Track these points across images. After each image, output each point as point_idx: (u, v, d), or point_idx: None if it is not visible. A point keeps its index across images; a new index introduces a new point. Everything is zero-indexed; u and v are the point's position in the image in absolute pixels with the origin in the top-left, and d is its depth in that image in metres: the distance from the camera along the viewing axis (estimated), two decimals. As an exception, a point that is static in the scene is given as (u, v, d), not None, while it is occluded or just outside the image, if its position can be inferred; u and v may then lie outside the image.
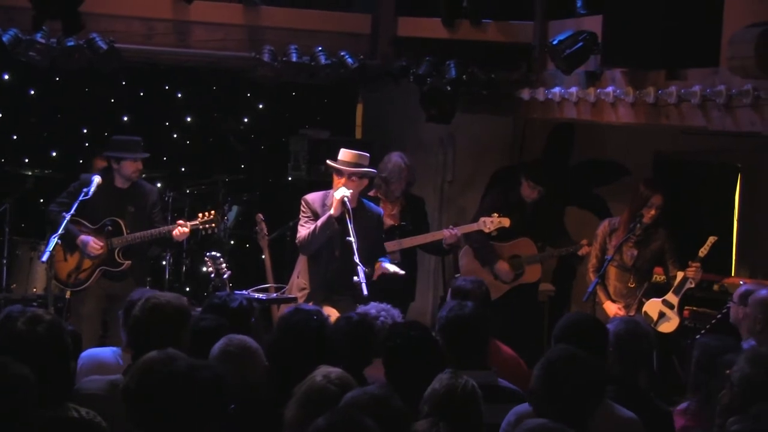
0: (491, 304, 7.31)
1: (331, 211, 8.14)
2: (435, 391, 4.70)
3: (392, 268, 8.40)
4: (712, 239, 8.71)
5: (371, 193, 9.37)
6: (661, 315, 8.79)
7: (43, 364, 4.43)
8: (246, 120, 12.47)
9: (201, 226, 9.17)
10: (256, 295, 8.61)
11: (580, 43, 8.40)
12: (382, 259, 8.47)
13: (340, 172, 8.26)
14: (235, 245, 11.86)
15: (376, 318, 6.21)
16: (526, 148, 11.41)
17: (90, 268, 8.89)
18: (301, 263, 8.70)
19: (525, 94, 9.64)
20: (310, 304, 7.04)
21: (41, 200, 10.79)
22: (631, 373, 5.80)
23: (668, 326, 8.77)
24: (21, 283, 10.20)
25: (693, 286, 8.77)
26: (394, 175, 9.37)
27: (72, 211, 8.37)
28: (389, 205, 9.46)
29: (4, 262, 10.28)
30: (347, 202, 8.07)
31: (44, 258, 8.16)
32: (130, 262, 8.98)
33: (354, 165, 8.27)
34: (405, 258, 9.44)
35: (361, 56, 9.66)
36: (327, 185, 8.44)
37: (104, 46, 8.82)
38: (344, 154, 8.34)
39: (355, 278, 7.71)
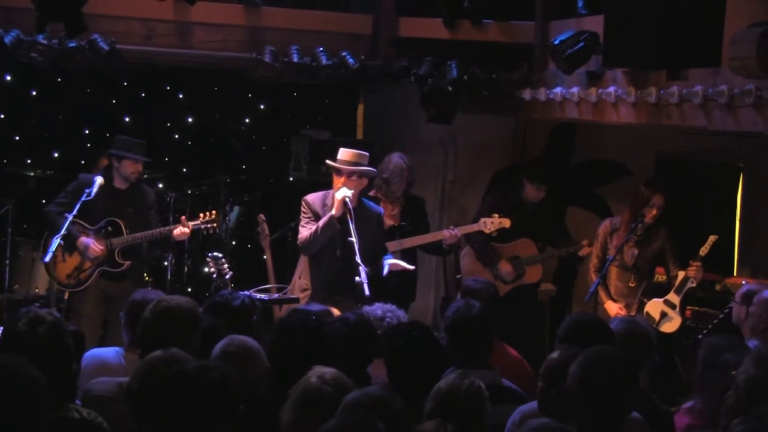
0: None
1: (333, 212, 8.14)
2: (439, 389, 4.71)
3: (402, 263, 8.44)
4: (712, 238, 8.71)
5: (371, 194, 9.37)
6: (663, 315, 8.79)
7: (43, 365, 4.43)
8: (247, 120, 12.47)
9: (202, 226, 9.18)
10: (258, 295, 8.62)
11: (582, 43, 8.40)
12: (386, 257, 8.48)
13: (339, 172, 8.26)
14: (237, 246, 11.85)
15: (382, 319, 6.22)
16: (527, 149, 11.41)
17: (90, 269, 8.87)
18: (303, 264, 8.70)
19: (526, 94, 9.64)
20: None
21: (43, 201, 10.71)
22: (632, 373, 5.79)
23: (670, 326, 8.77)
24: (23, 284, 10.20)
25: (694, 285, 8.76)
26: (394, 176, 9.37)
27: (74, 212, 8.37)
28: (389, 205, 9.46)
29: (7, 262, 10.28)
30: (348, 203, 8.07)
31: (47, 259, 8.18)
32: (129, 262, 8.98)
33: (353, 164, 8.27)
34: (405, 258, 9.40)
35: (362, 57, 9.67)
36: (328, 185, 8.44)
37: (105, 47, 8.83)
38: (343, 153, 8.33)
39: (357, 279, 7.71)
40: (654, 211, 8.78)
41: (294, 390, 4.53)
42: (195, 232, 9.20)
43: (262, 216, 10.05)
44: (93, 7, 8.60)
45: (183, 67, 10.82)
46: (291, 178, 11.52)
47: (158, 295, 6.24)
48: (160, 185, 11.66)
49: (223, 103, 12.18)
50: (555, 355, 5.00)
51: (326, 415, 4.20)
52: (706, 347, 5.88)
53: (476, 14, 9.99)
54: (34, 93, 11.51)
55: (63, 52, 8.76)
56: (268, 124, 12.45)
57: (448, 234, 9.37)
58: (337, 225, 8.12)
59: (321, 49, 9.59)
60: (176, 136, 12.23)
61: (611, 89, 8.40)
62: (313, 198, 8.46)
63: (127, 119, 11.81)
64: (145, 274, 10.76)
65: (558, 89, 9.15)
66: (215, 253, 9.04)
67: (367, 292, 7.62)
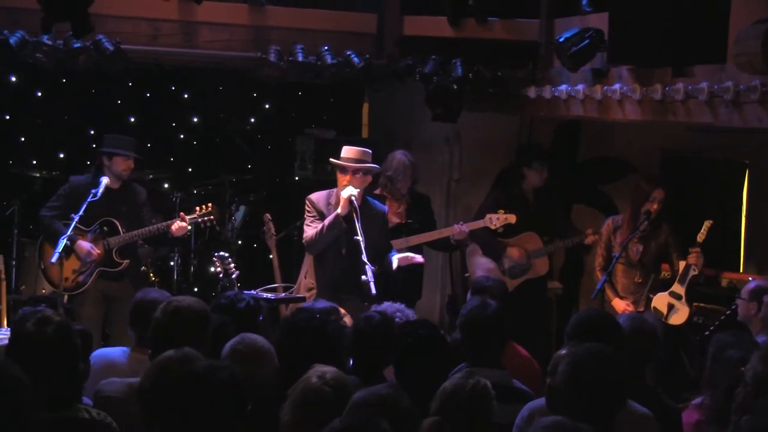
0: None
1: (339, 210, 8.14)
2: (444, 389, 4.72)
3: (412, 255, 8.46)
4: (707, 223, 8.74)
5: (377, 192, 9.39)
6: (671, 307, 8.80)
7: (52, 365, 4.45)
8: (252, 120, 12.47)
9: (199, 219, 9.15)
10: (265, 294, 8.64)
11: (587, 41, 8.40)
12: (391, 253, 8.48)
13: (344, 170, 8.26)
14: (243, 245, 11.86)
15: (391, 318, 6.21)
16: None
17: (88, 271, 8.87)
18: (308, 263, 8.71)
19: (531, 92, 9.64)
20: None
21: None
22: (638, 369, 5.80)
23: (678, 317, 8.78)
24: (29, 285, 10.20)
25: (697, 272, 8.79)
26: (398, 173, 9.39)
27: (81, 212, 8.36)
28: (395, 203, 9.48)
29: (13, 263, 10.29)
30: (354, 201, 8.07)
31: (53, 260, 8.17)
32: (128, 261, 8.99)
33: (357, 161, 8.27)
34: (411, 256, 9.46)
35: (367, 55, 9.67)
36: (333, 184, 8.44)
37: (111, 48, 8.83)
38: (347, 151, 8.33)
39: (363, 277, 7.70)
40: (655, 206, 8.82)
41: (294, 389, 4.53)
42: (193, 225, 9.17)
43: (267, 215, 10.07)
44: (98, 7, 8.61)
45: (188, 67, 10.82)
46: (296, 178, 11.53)
47: (162, 294, 6.29)
48: (166, 185, 11.67)
49: (228, 102, 12.18)
50: (562, 351, 5.01)
51: (326, 415, 4.20)
52: (715, 343, 5.88)
53: (481, 12, 9.99)
54: (39, 94, 11.51)
55: (68, 52, 8.76)
56: (274, 123, 12.45)
57: (457, 229, 9.38)
58: (343, 223, 8.11)
59: (326, 48, 9.59)
60: (181, 136, 12.24)
61: (616, 86, 8.39)
62: (317, 197, 8.45)
63: (132, 119, 11.82)
64: (151, 274, 10.80)
65: (563, 87, 9.15)
66: (221, 253, 9.04)
67: (373, 290, 7.61)
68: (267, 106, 12.44)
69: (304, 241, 8.43)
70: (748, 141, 9.68)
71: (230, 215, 11.47)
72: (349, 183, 8.17)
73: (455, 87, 9.67)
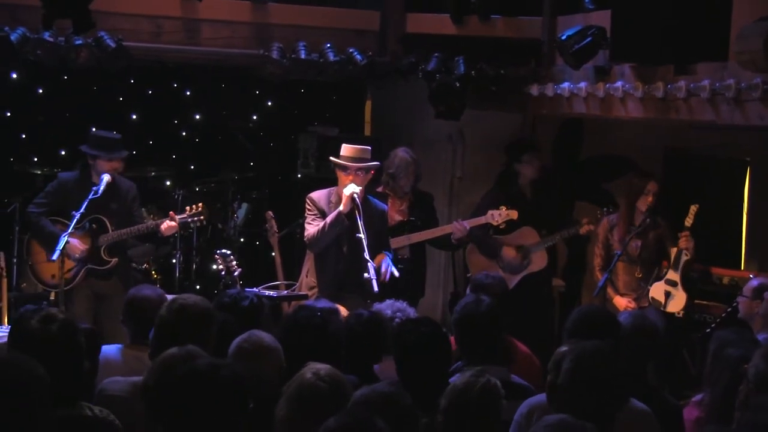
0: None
1: (341, 208, 8.14)
2: (454, 386, 4.71)
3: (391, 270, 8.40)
4: (694, 208, 8.77)
5: (379, 189, 9.38)
6: (668, 295, 8.83)
7: (56, 363, 4.44)
8: (255, 117, 12.46)
9: (189, 219, 9.11)
10: (267, 292, 8.63)
11: (589, 39, 8.41)
12: (385, 253, 8.47)
13: (345, 168, 8.26)
14: (245, 243, 11.86)
15: (392, 319, 6.21)
16: (535, 144, 11.41)
17: (75, 268, 8.76)
18: (309, 262, 8.71)
19: (534, 89, 9.65)
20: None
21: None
22: (639, 366, 5.80)
23: (676, 304, 8.81)
24: (31, 282, 10.18)
25: (689, 257, 8.82)
26: (401, 171, 9.39)
27: (82, 210, 8.33)
28: (397, 200, 9.48)
29: (14, 261, 10.28)
30: (357, 199, 8.07)
31: (54, 257, 8.13)
32: (116, 259, 8.91)
33: (358, 160, 8.27)
34: (414, 254, 9.45)
35: (370, 53, 9.68)
36: (336, 182, 8.43)
37: (112, 45, 8.83)
38: (347, 149, 8.33)
39: (366, 275, 7.70)
40: (650, 198, 8.88)
41: (288, 386, 4.52)
42: (183, 225, 9.14)
43: (270, 213, 10.07)
44: (100, 4, 8.60)
45: (190, 64, 10.82)
46: (299, 175, 11.52)
47: (154, 291, 6.35)
48: (168, 183, 11.67)
49: (230, 100, 12.18)
50: (563, 348, 5.00)
51: (321, 411, 4.19)
52: (716, 340, 5.89)
53: (484, 10, 10.00)
54: (41, 91, 11.51)
55: (69, 49, 8.76)
56: (276, 121, 12.45)
57: (458, 226, 9.38)
58: (346, 221, 8.11)
59: (328, 45, 9.60)
60: (183, 134, 12.23)
61: (619, 84, 8.40)
62: (318, 195, 8.45)
63: (134, 117, 11.83)
64: (153, 272, 10.81)
65: (566, 84, 9.15)
66: (224, 251, 9.03)
67: (375, 288, 7.61)
68: (269, 104, 12.44)
69: (305, 239, 8.42)
70: (749, 139, 9.68)
71: (233, 213, 11.47)
72: (351, 181, 8.17)
73: (458, 85, 9.67)
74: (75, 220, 8.27)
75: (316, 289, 8.47)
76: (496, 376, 4.84)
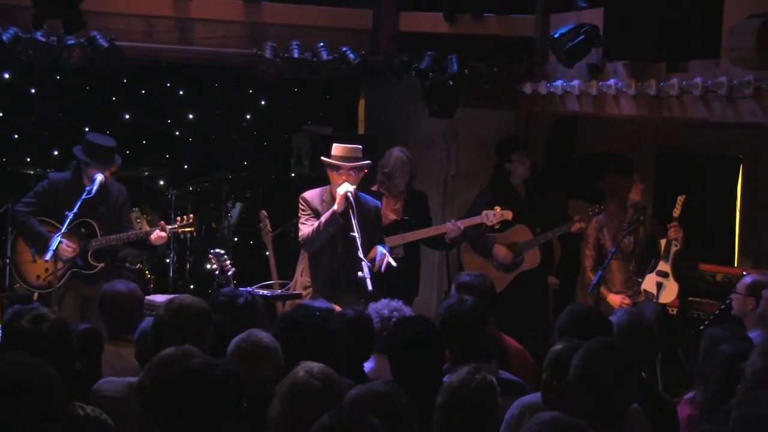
0: (497, 296, 7.36)
1: (335, 207, 8.14)
2: (451, 384, 4.71)
3: (388, 259, 8.42)
4: (681, 198, 8.84)
5: (374, 188, 9.39)
6: (659, 286, 8.87)
7: (47, 362, 4.44)
8: (248, 117, 12.46)
9: (179, 230, 9.11)
10: (261, 291, 8.63)
11: (582, 36, 8.40)
12: (383, 247, 8.47)
13: (337, 168, 8.26)
14: (239, 242, 11.86)
15: (389, 319, 6.21)
16: (529, 142, 11.41)
17: (60, 270, 8.69)
18: (304, 261, 8.71)
19: (527, 87, 9.64)
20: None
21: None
22: (634, 364, 5.79)
23: (668, 295, 8.85)
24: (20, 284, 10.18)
25: (679, 247, 8.86)
26: (396, 169, 9.40)
27: (75, 210, 8.32)
28: (392, 200, 9.48)
29: (7, 261, 10.25)
30: (351, 198, 8.08)
31: (47, 257, 8.13)
32: (103, 264, 8.89)
33: (350, 159, 8.29)
34: (408, 253, 9.45)
35: (363, 52, 9.67)
36: (329, 181, 8.44)
37: (105, 44, 8.82)
38: (338, 149, 8.35)
39: (360, 274, 7.71)
40: (640, 186, 8.98)
41: (282, 385, 4.53)
42: (173, 236, 9.13)
43: (264, 212, 10.08)
44: (93, 4, 8.58)
45: (183, 64, 10.80)
46: (293, 174, 11.51)
47: (126, 285, 6.47)
48: (162, 182, 11.66)
49: (224, 99, 12.17)
50: (558, 347, 5.01)
51: (314, 409, 4.19)
52: (707, 337, 5.90)
53: (476, 8, 9.99)
54: (33, 91, 11.50)
55: (61, 49, 8.75)
56: (270, 120, 12.45)
57: (451, 227, 9.38)
58: (341, 220, 8.12)
59: (322, 44, 9.59)
60: (177, 133, 12.22)
61: (612, 82, 8.40)
62: (311, 195, 8.46)
63: (127, 116, 11.81)
64: (147, 272, 10.80)
65: (559, 82, 9.15)
66: (217, 250, 9.03)
67: (370, 287, 7.62)
68: (263, 103, 12.44)
69: (300, 239, 8.43)
70: (742, 136, 9.69)
71: (226, 212, 11.46)
72: (344, 180, 8.18)
73: (451, 83, 9.67)
74: (68, 220, 8.26)
75: (311, 289, 8.48)
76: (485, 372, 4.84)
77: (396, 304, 6.44)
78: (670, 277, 8.83)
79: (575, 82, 8.89)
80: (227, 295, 6.33)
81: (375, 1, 10.18)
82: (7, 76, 11.11)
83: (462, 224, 9.46)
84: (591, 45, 8.45)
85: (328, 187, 8.41)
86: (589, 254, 9.27)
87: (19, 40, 8.61)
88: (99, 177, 8.62)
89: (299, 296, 8.55)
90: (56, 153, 11.50)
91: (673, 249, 8.84)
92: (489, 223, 9.43)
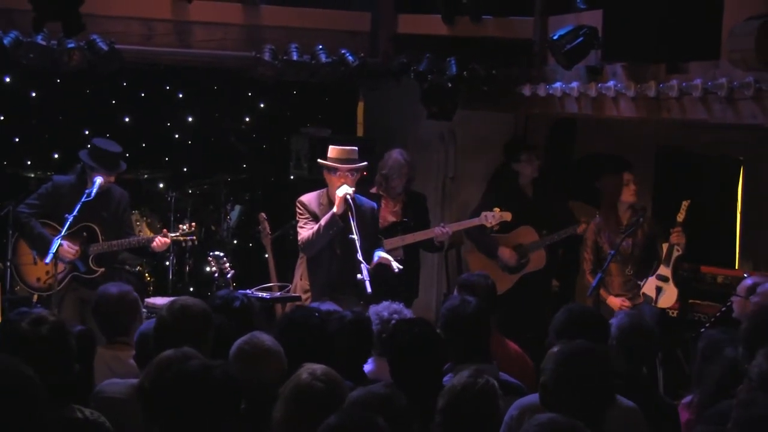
0: (501, 297, 7.36)
1: (335, 209, 8.14)
2: (453, 387, 4.71)
3: (390, 260, 8.43)
4: (685, 203, 8.82)
5: (372, 190, 9.40)
6: (659, 290, 8.87)
7: (46, 365, 4.44)
8: (247, 119, 12.47)
9: (181, 238, 9.11)
10: (260, 294, 8.63)
11: (581, 38, 8.40)
12: (378, 249, 8.47)
13: (335, 170, 8.26)
14: (238, 245, 11.85)
15: (389, 321, 6.20)
16: (528, 144, 11.42)
17: (61, 274, 8.71)
18: (302, 265, 8.70)
19: (526, 89, 9.63)
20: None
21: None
22: (635, 366, 5.80)
23: (668, 299, 8.84)
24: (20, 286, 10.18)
25: (680, 252, 8.86)
26: (393, 171, 9.41)
27: (75, 212, 8.32)
28: (391, 201, 9.49)
29: (8, 264, 10.25)
30: (350, 200, 8.07)
31: (48, 260, 8.14)
32: (104, 269, 8.88)
33: (347, 161, 8.29)
34: (408, 254, 9.45)
35: (362, 54, 9.66)
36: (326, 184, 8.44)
37: (105, 48, 8.82)
38: (334, 151, 8.34)
39: (359, 276, 7.71)
40: (632, 187, 8.97)
41: (285, 387, 4.53)
42: (174, 243, 9.13)
43: (263, 215, 10.08)
44: (91, 8, 8.57)
45: (182, 67, 10.81)
46: (292, 177, 11.52)
47: (120, 288, 6.47)
48: (161, 185, 11.66)
49: (223, 102, 12.18)
50: (555, 349, 5.00)
51: (318, 411, 4.20)
52: (705, 340, 5.89)
53: (475, 10, 9.99)
54: (34, 94, 11.51)
55: (62, 52, 8.75)
56: (269, 122, 12.45)
57: (439, 231, 9.35)
58: (340, 222, 8.12)
59: (320, 46, 9.59)
60: (176, 136, 12.22)
61: (611, 84, 8.39)
62: (309, 198, 8.46)
63: (126, 119, 11.81)
64: (147, 275, 10.79)
65: (557, 84, 9.14)
66: (217, 253, 9.04)
67: (369, 289, 7.63)
68: (262, 106, 12.44)
69: (299, 242, 8.42)
70: (742, 137, 9.68)
71: (226, 215, 11.46)
72: (342, 182, 8.17)
73: (450, 85, 9.67)
74: (68, 222, 8.25)
75: (310, 292, 8.47)
76: (486, 374, 4.84)
77: (396, 306, 6.44)
78: (670, 281, 8.83)
79: (574, 84, 8.88)
80: (223, 298, 6.32)
81: (373, 4, 10.18)
82: (7, 79, 11.11)
83: (451, 228, 9.44)
84: (590, 47, 8.44)
85: (324, 190, 8.41)
86: (587, 257, 9.28)
87: (19, 44, 8.61)
88: (98, 180, 8.61)
89: (298, 299, 8.55)
90: (56, 156, 11.51)
91: (675, 254, 8.83)
92: (488, 225, 9.43)
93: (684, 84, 7.53)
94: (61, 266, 8.69)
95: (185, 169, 12.13)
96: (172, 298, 5.84)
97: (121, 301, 6.38)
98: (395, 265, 8.44)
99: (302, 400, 4.42)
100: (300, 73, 9.59)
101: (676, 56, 7.79)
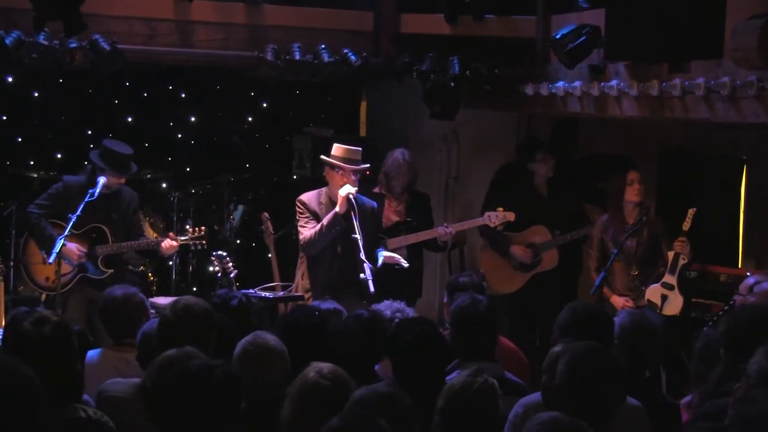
0: (512, 295, 7.26)
1: (337, 209, 8.13)
2: (452, 386, 4.71)
3: (397, 257, 8.44)
4: (691, 211, 8.79)
5: (375, 190, 9.39)
6: (664, 298, 8.83)
7: (49, 365, 4.45)
8: (250, 119, 12.48)
9: (191, 242, 9.11)
10: (263, 293, 8.63)
11: (583, 37, 8.39)
12: (379, 249, 8.47)
13: (340, 169, 8.25)
14: (241, 244, 11.86)
15: (391, 320, 6.20)
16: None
17: (70, 274, 8.73)
18: (303, 265, 8.69)
19: (528, 89, 9.62)
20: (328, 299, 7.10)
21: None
22: (638, 365, 5.79)
23: (673, 308, 8.82)
24: (27, 285, 10.17)
25: (686, 261, 8.82)
26: (393, 171, 9.41)
27: (78, 212, 8.32)
28: (394, 201, 9.48)
29: (11, 264, 10.26)
30: (353, 200, 8.07)
31: (51, 260, 8.12)
32: (112, 270, 8.88)
33: (352, 161, 8.28)
34: (411, 254, 9.44)
35: (364, 53, 9.66)
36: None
37: (107, 47, 8.82)
38: (339, 149, 8.32)
39: (362, 275, 7.71)
40: (636, 186, 8.95)
41: (292, 386, 4.53)
42: (183, 247, 9.13)
43: (266, 214, 10.08)
44: (94, 7, 8.60)
45: (185, 67, 10.82)
46: (294, 176, 11.51)
47: (125, 290, 6.47)
48: (164, 185, 11.66)
49: (225, 101, 12.19)
50: (557, 348, 5.00)
51: (326, 410, 4.21)
52: (703, 338, 5.89)
53: (477, 9, 9.98)
54: (36, 94, 11.52)
55: (64, 52, 8.75)
56: (271, 122, 12.46)
57: (442, 231, 9.34)
58: (343, 222, 8.11)
59: (323, 46, 9.59)
60: (179, 136, 12.24)
61: (613, 83, 8.38)
62: (309, 197, 8.44)
63: (129, 119, 11.83)
64: (150, 274, 10.79)
65: (560, 84, 9.14)
66: (220, 252, 9.04)
67: (372, 288, 7.62)
68: (264, 105, 12.45)
69: (301, 242, 8.39)
70: (746, 137, 9.67)
71: (229, 214, 11.48)
72: (346, 182, 8.17)
73: (452, 84, 9.66)
74: (71, 223, 8.25)
75: (311, 292, 8.47)
76: (490, 373, 4.84)
77: (399, 305, 6.44)
78: (676, 290, 8.80)
79: (577, 83, 8.87)
80: (221, 297, 6.34)
81: (376, 3, 10.19)
82: (10, 79, 11.12)
83: (454, 228, 9.42)
84: (592, 46, 8.43)
85: (324, 189, 8.40)
86: (593, 255, 9.25)
87: (21, 44, 8.61)
88: (102, 180, 8.60)
89: (301, 298, 8.54)
90: (59, 156, 11.53)
91: (681, 263, 8.81)
92: (491, 225, 9.41)
93: (687, 83, 7.52)
94: (69, 268, 8.69)
95: (188, 169, 12.15)
96: (175, 298, 5.84)
97: (126, 303, 6.39)
98: (402, 262, 8.45)
99: (309, 398, 4.44)
100: (302, 73, 9.59)
101: (678, 55, 7.78)
